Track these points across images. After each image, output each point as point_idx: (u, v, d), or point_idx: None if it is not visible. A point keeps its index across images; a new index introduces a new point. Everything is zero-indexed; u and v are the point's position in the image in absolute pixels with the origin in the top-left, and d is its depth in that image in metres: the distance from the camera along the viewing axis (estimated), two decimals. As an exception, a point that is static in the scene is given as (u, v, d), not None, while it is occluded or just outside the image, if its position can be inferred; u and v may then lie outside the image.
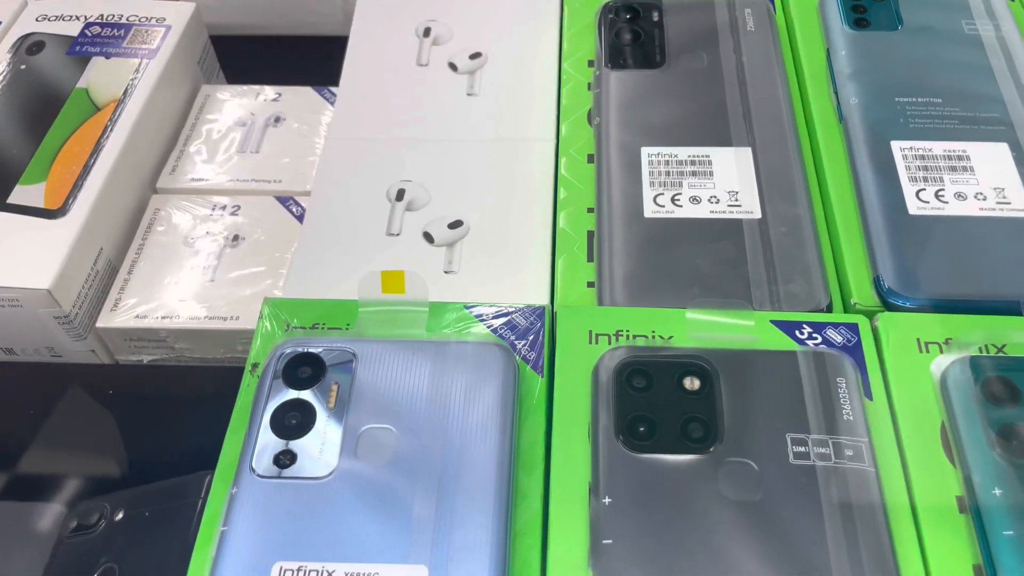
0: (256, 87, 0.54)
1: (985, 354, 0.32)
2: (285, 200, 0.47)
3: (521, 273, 0.40)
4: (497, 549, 0.28)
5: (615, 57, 0.45)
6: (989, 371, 0.31)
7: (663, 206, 0.39)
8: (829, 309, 0.36)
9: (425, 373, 0.32)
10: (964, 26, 0.44)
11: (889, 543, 0.27)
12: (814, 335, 0.34)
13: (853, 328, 0.34)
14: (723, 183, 0.40)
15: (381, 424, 0.31)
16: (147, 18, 0.54)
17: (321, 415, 0.31)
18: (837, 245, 0.38)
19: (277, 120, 0.51)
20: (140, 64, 0.50)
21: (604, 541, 0.27)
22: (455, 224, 0.43)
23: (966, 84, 0.42)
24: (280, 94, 0.53)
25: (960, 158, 0.39)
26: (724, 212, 0.39)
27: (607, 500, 0.28)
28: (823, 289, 0.36)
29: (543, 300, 0.38)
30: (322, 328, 0.35)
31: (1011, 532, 0.27)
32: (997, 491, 0.28)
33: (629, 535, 0.28)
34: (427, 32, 0.52)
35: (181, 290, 0.44)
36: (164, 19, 0.53)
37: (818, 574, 0.26)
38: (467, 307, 0.36)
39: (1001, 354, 0.32)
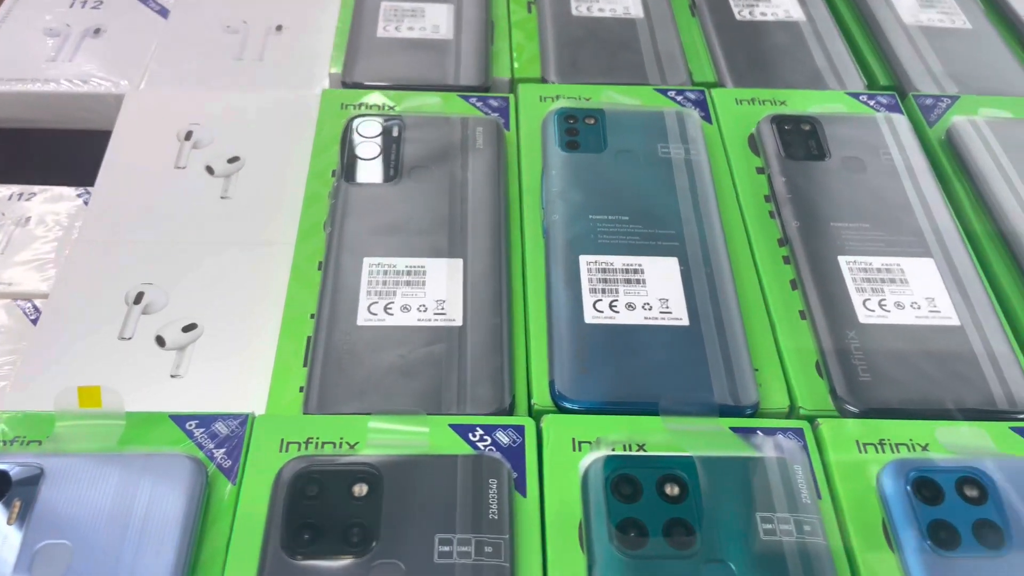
0: (11, 187, 0.54)
1: (621, 452, 0.37)
2: (23, 303, 0.48)
3: (246, 379, 0.43)
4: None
5: (351, 170, 0.49)
6: (617, 468, 0.35)
7: (376, 314, 0.43)
8: (511, 411, 0.40)
9: (110, 487, 0.34)
10: (659, 150, 0.51)
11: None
12: (485, 437, 0.38)
13: (520, 430, 0.38)
14: (433, 292, 0.44)
15: (58, 540, 0.32)
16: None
17: None
18: (529, 351, 0.43)
19: (27, 220, 0.52)
20: None
21: (255, 645, 0.30)
22: (189, 327, 0.45)
23: (651, 203, 0.48)
24: (34, 193, 0.54)
25: (636, 271, 0.44)
26: (431, 320, 0.43)
27: (263, 607, 0.31)
28: (505, 391, 0.40)
29: (263, 407, 0.41)
30: (22, 441, 0.36)
31: (614, 617, 0.32)
32: (609, 580, 0.32)
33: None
34: (188, 136, 0.55)
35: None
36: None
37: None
38: (172, 417, 0.38)
39: (639, 452, 0.37)
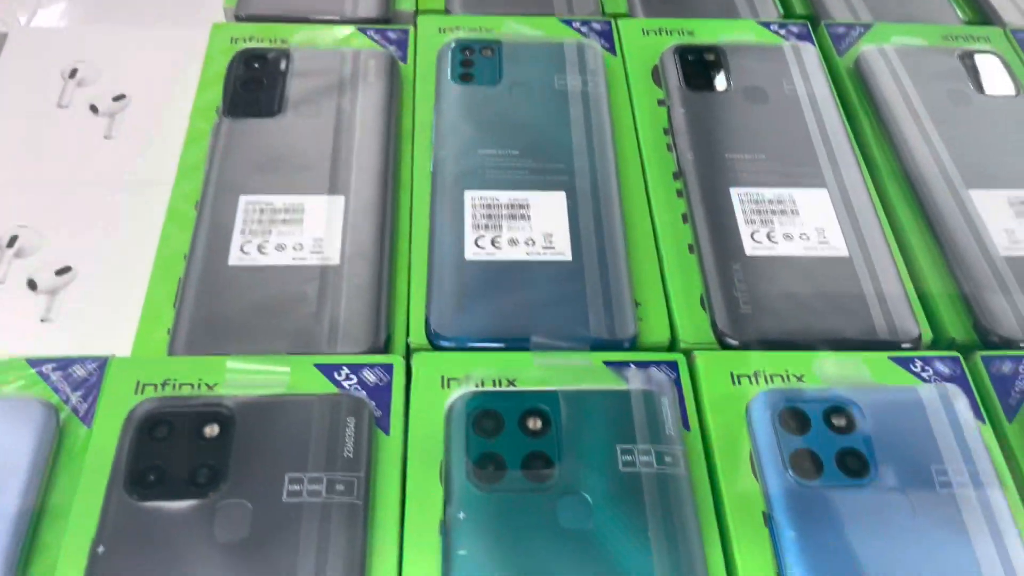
0: None
1: (484, 389, 0.36)
2: None
3: (116, 322, 0.41)
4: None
5: (233, 104, 0.47)
6: (479, 404, 0.35)
7: (248, 254, 0.41)
8: (387, 349, 0.39)
9: (-49, 432, 0.33)
10: (556, 82, 0.49)
11: (360, 567, 0.31)
12: (351, 376, 0.37)
13: (388, 368, 0.37)
14: (311, 230, 0.42)
15: None
16: None
17: None
18: (410, 290, 0.41)
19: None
20: None
21: (91, 588, 0.29)
22: (62, 271, 0.44)
23: (543, 137, 0.46)
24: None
25: (522, 206, 0.43)
26: (306, 259, 0.41)
27: (100, 549, 0.30)
28: (380, 330, 0.39)
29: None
30: None
31: (464, 552, 0.31)
32: (462, 515, 0.32)
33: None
34: (73, 73, 0.53)
35: None
36: None
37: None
38: (29, 361, 0.37)
39: (509, 388, 0.36)
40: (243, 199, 0.43)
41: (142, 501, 0.31)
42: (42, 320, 0.42)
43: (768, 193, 0.44)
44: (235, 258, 0.41)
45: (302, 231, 0.42)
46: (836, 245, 0.43)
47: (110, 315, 0.42)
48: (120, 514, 0.31)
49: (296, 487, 0.32)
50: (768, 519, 0.33)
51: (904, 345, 0.40)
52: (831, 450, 0.34)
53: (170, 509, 0.31)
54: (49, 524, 0.33)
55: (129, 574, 0.30)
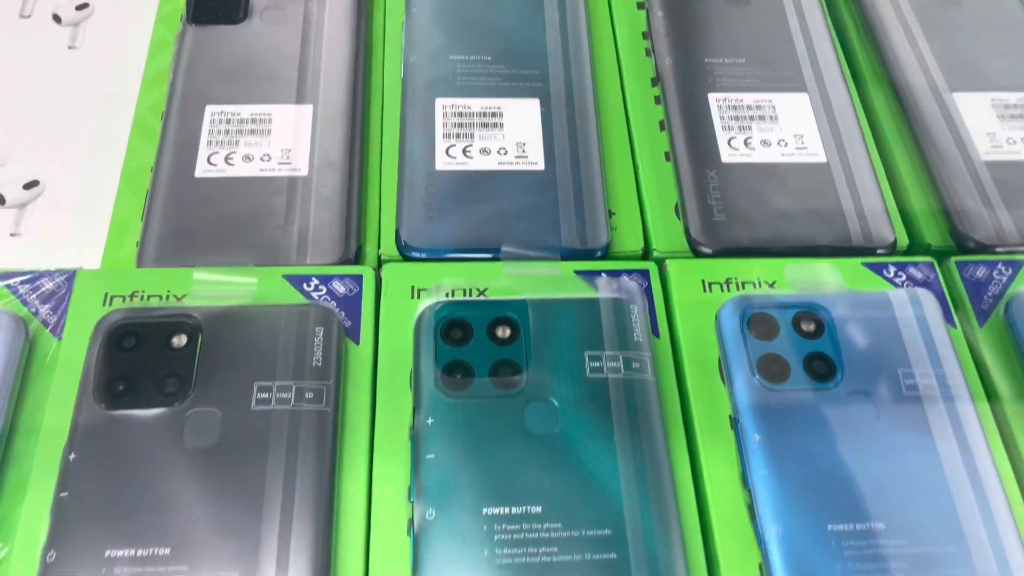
0: None
1: (453, 299, 0.36)
2: None
3: (85, 236, 0.41)
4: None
5: (199, 12, 0.46)
6: (448, 313, 0.35)
7: (215, 165, 0.41)
8: (357, 260, 0.39)
9: (-83, 345, 0.33)
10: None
11: (328, 477, 0.31)
12: (320, 287, 0.37)
13: (358, 279, 0.37)
14: (279, 140, 0.42)
15: None
16: None
17: None
18: (381, 200, 0.41)
19: None
20: None
21: (61, 494, 0.30)
22: (30, 184, 0.43)
23: (517, 43, 0.45)
24: None
25: (494, 114, 0.42)
26: (274, 170, 0.41)
27: (72, 456, 0.31)
28: (350, 242, 0.39)
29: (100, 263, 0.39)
30: None
31: (432, 455, 0.32)
32: (430, 421, 0.32)
33: (88, 487, 0.30)
34: (33, -20, 0.51)
35: None
36: None
37: (252, 503, 0.30)
38: (-5, 275, 0.37)
39: (480, 298, 0.36)
40: (209, 109, 0.42)
41: (112, 410, 0.32)
42: (11, 235, 0.41)
43: (747, 98, 0.43)
44: (202, 170, 0.40)
45: (270, 141, 0.42)
46: (814, 151, 0.42)
47: (79, 228, 0.41)
48: (91, 422, 0.31)
49: (265, 395, 0.32)
50: (734, 423, 0.34)
51: (879, 251, 0.40)
52: (799, 355, 0.35)
53: (140, 417, 0.32)
54: (22, 436, 0.33)
55: (101, 480, 0.30)
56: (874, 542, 0.31)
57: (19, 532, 0.30)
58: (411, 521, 0.31)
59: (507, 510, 0.31)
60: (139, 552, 0.29)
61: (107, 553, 0.29)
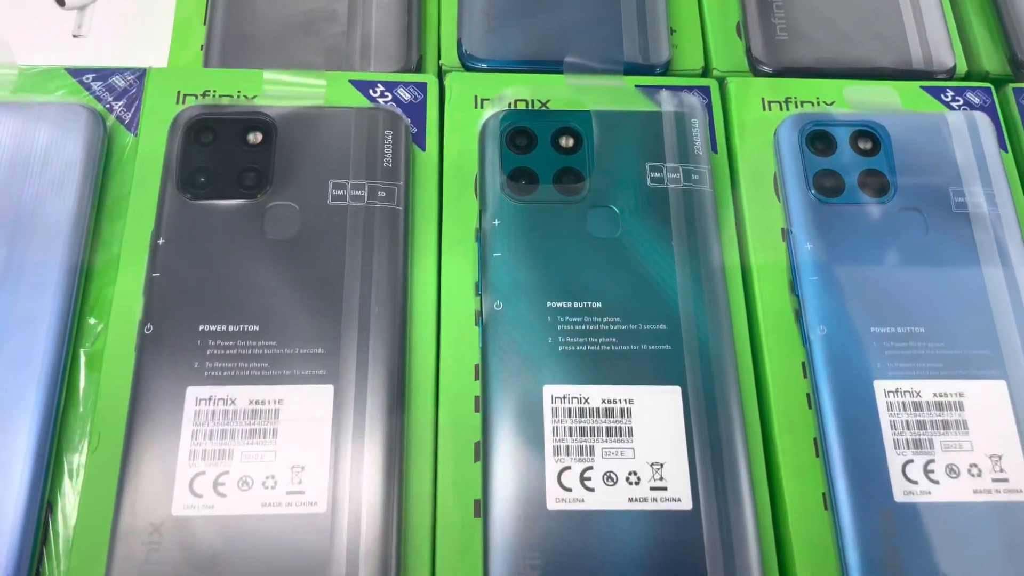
0: None
1: (517, 109, 0.36)
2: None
3: (148, 37, 0.41)
4: (67, 288, 0.32)
5: None
6: (513, 122, 0.35)
7: (276, -31, 0.40)
8: (418, 68, 0.39)
9: (6, 133, 0.34)
10: None
11: (402, 269, 0.33)
12: (385, 93, 0.37)
13: (422, 87, 0.37)
14: (339, -54, 0.41)
15: (-42, 182, 0.33)
16: None
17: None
18: (440, 10, 0.41)
19: None
20: None
21: (154, 274, 0.32)
22: (88, -14, 0.43)
23: None
24: None
25: (557, -76, 0.41)
26: (334, -24, 0.40)
27: (160, 241, 0.32)
28: (412, 49, 0.39)
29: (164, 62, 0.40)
30: (-85, 92, 0.36)
31: (499, 254, 0.33)
32: (496, 222, 0.34)
33: (178, 269, 0.32)
34: None
35: None
36: None
37: (332, 290, 0.32)
38: (68, 70, 0.37)
39: (543, 108, 0.37)
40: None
41: (195, 200, 0.33)
42: (74, 36, 0.42)
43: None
44: (261, -26, 0.40)
45: (328, -53, 0.41)
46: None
47: (141, 30, 0.41)
48: (176, 211, 0.33)
49: (340, 191, 0.34)
50: (787, 234, 0.35)
51: (938, 76, 0.40)
52: (854, 171, 0.36)
53: (222, 207, 0.33)
54: (107, 221, 0.35)
55: (189, 263, 0.32)
56: (913, 344, 0.33)
57: (114, 309, 0.33)
58: (479, 313, 0.33)
59: (569, 304, 0.33)
60: (230, 328, 0.31)
61: (200, 327, 0.31)
